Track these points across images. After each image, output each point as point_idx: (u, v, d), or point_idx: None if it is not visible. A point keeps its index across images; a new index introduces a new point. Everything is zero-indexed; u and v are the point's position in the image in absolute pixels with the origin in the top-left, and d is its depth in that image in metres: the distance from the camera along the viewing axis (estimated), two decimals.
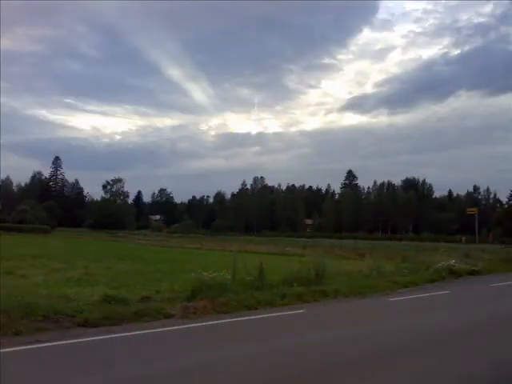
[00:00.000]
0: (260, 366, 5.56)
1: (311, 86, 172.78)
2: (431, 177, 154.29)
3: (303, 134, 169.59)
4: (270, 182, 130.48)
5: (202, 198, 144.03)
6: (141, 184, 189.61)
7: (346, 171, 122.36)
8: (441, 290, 14.60)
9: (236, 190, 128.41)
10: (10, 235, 48.49)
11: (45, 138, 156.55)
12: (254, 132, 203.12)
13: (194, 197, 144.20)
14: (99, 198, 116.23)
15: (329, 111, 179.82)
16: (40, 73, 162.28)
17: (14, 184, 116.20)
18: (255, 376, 5.19)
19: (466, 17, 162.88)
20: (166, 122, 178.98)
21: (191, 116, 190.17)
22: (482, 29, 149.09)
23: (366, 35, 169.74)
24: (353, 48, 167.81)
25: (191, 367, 5.50)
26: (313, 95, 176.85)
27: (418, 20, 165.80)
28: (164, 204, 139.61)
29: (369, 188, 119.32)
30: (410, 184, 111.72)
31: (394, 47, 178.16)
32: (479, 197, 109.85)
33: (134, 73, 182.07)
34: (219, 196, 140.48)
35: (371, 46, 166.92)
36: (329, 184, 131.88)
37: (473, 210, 26.03)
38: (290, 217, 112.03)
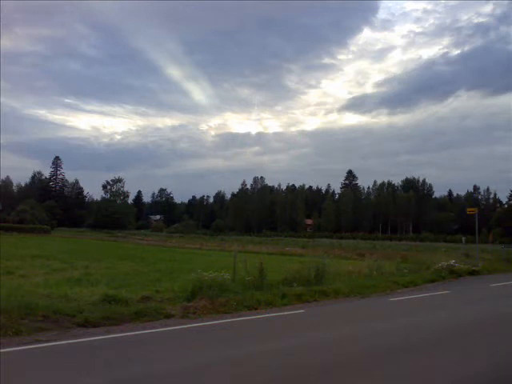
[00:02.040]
0: (260, 366, 5.56)
1: (311, 86, 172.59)
2: (431, 177, 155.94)
3: (303, 133, 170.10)
4: (269, 182, 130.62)
5: (202, 197, 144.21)
6: (141, 184, 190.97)
7: (346, 171, 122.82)
8: (441, 289, 14.62)
9: (236, 190, 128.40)
10: (10, 235, 48.49)
11: (45, 137, 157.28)
12: (253, 132, 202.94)
13: (193, 197, 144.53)
14: (99, 198, 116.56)
15: (329, 111, 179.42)
16: (40, 73, 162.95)
17: (14, 184, 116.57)
18: (255, 376, 5.18)
19: (466, 17, 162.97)
20: (166, 121, 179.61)
21: (191, 116, 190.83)
22: (481, 29, 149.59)
23: (366, 35, 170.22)
24: (353, 48, 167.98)
25: (191, 367, 5.50)
26: (313, 95, 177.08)
27: (417, 20, 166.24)
28: (164, 204, 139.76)
29: (369, 188, 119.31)
30: (410, 184, 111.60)
31: (393, 47, 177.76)
32: (479, 197, 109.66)
33: (134, 73, 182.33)
34: (219, 196, 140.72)
35: (371, 46, 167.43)
36: (329, 184, 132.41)
37: (473, 210, 26.04)
38: (290, 217, 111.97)
